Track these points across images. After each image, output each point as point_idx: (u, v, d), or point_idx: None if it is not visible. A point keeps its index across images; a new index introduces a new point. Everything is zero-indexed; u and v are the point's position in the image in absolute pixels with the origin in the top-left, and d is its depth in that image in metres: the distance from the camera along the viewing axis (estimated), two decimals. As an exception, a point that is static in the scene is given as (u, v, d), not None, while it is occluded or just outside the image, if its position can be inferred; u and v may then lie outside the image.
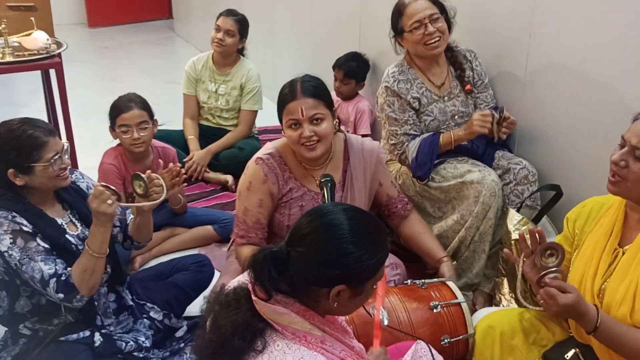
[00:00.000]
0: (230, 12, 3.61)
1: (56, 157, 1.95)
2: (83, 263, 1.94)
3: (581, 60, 2.31)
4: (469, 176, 2.41)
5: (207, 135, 3.69)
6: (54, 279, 1.90)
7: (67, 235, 2.02)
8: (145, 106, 2.79)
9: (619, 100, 2.18)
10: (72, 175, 2.13)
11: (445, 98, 2.60)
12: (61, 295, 1.91)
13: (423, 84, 2.57)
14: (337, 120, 2.20)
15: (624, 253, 1.65)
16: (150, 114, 2.81)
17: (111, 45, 7.02)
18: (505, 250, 1.86)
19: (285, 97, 2.11)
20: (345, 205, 1.44)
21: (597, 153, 2.27)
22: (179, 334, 2.26)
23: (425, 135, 2.54)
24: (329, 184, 2.07)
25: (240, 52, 3.70)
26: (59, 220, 2.04)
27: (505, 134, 2.43)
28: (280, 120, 2.15)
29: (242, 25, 3.58)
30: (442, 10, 2.52)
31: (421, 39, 2.48)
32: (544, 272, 1.63)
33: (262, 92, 3.69)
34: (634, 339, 1.56)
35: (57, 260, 1.93)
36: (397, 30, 2.57)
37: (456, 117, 2.60)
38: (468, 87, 2.61)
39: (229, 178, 3.54)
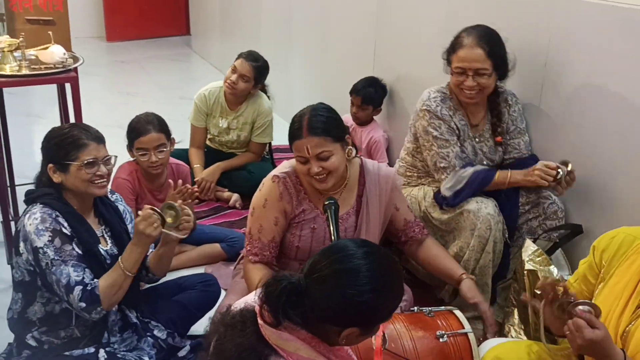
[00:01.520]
0: (250, 56, 3.49)
1: (92, 160, 1.99)
2: (112, 278, 1.98)
3: (600, 90, 2.29)
4: (466, 206, 2.39)
5: (219, 158, 3.68)
6: (80, 286, 1.92)
7: (99, 246, 2.06)
8: (162, 128, 2.81)
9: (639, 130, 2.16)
10: (112, 196, 2.20)
11: (477, 139, 2.55)
12: (83, 305, 1.93)
13: (463, 118, 2.51)
14: (351, 147, 2.17)
15: None
16: (168, 135, 2.83)
17: (128, 59, 7.09)
18: (524, 296, 1.83)
19: (294, 132, 2.10)
20: (368, 247, 1.42)
21: (619, 188, 2.24)
22: (182, 353, 2.23)
23: (479, 167, 2.45)
24: (333, 207, 2.06)
25: (262, 90, 3.66)
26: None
27: (564, 189, 2.31)
28: (291, 148, 2.15)
29: (259, 72, 3.49)
30: (498, 65, 2.39)
31: (458, 85, 2.43)
32: (576, 302, 1.56)
33: (273, 124, 3.66)
34: None
35: (86, 269, 1.96)
36: (447, 59, 2.48)
37: (484, 162, 2.54)
38: (498, 138, 2.54)
39: (236, 197, 3.55)
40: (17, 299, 2.05)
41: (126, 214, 2.24)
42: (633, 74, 2.15)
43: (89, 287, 1.94)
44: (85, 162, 1.99)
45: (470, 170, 2.43)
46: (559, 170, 2.28)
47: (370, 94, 3.51)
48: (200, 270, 2.89)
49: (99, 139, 2.06)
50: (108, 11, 7.74)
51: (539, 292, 2.19)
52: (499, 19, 2.69)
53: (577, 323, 1.51)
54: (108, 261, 2.06)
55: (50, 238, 1.92)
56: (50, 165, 2.01)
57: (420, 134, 2.52)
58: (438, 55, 3.10)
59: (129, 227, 2.21)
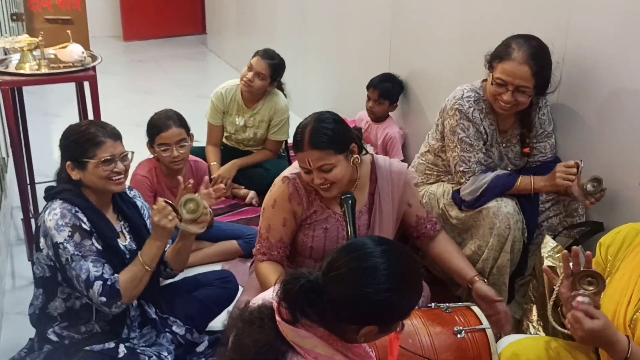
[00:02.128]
0: (266, 54, 3.49)
1: (109, 157, 2.01)
2: (133, 272, 2.02)
3: (619, 88, 2.26)
4: (485, 205, 2.36)
5: (236, 155, 3.69)
6: (100, 281, 1.95)
7: (119, 241, 2.08)
8: (182, 123, 2.84)
9: None
10: (131, 192, 2.23)
11: (504, 144, 2.51)
12: (103, 299, 1.95)
13: (493, 123, 2.45)
14: (356, 156, 2.14)
15: None
16: (187, 130, 2.85)
17: (144, 58, 7.14)
18: (544, 267, 1.82)
19: (296, 143, 2.09)
20: (386, 244, 1.41)
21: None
22: (200, 349, 2.25)
23: (501, 172, 2.42)
24: (350, 201, 2.06)
25: (279, 86, 3.66)
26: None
27: (592, 204, 2.24)
28: None
29: (274, 69, 3.49)
30: (540, 85, 2.29)
31: (495, 95, 2.34)
32: (573, 294, 1.58)
33: (289, 122, 3.67)
34: None
35: (105, 264, 1.98)
36: (490, 62, 2.36)
37: (509, 168, 2.51)
38: (526, 149, 2.48)
39: (252, 194, 3.56)
40: (38, 295, 2.08)
41: (144, 209, 2.26)
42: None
43: (109, 282, 1.96)
44: (103, 159, 2.01)
45: (491, 175, 2.39)
46: (579, 164, 2.25)
47: (388, 89, 3.50)
48: (217, 267, 2.90)
49: (116, 136, 2.07)
50: (125, 10, 7.79)
51: (556, 289, 2.19)
52: (516, 16, 2.68)
53: (575, 315, 1.53)
54: (127, 256, 2.08)
55: (70, 233, 1.94)
56: (69, 162, 2.04)
57: (447, 133, 2.48)
58: (454, 51, 3.11)
59: (148, 222, 2.23)
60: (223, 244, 3.00)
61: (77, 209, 1.99)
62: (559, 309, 1.87)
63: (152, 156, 2.89)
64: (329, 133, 2.06)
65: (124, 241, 2.12)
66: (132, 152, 2.13)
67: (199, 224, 2.12)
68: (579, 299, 1.55)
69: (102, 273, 1.96)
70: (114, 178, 2.04)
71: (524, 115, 2.45)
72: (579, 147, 2.45)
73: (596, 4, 2.31)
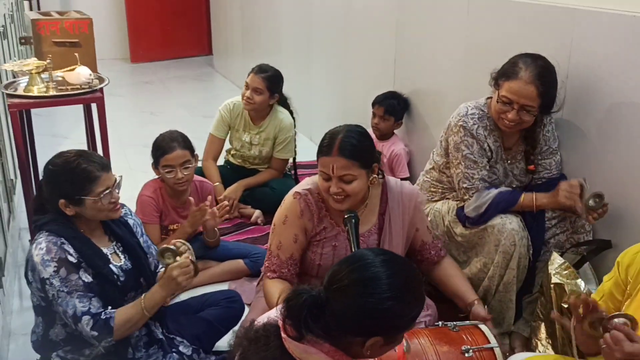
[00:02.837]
0: (260, 70, 3.53)
1: (106, 192, 2.00)
2: (130, 314, 1.98)
3: (623, 104, 2.26)
4: (490, 222, 2.36)
5: (242, 174, 3.70)
6: (88, 316, 1.92)
7: (110, 265, 2.06)
8: (187, 144, 2.85)
9: None
10: (122, 210, 2.18)
11: (509, 161, 2.51)
12: (95, 333, 1.93)
13: (497, 140, 2.46)
14: (375, 176, 2.14)
15: None
16: (192, 151, 2.86)
17: (151, 80, 7.21)
18: (553, 314, 1.81)
19: (323, 148, 2.09)
20: (385, 255, 1.43)
21: None
22: (207, 369, 2.25)
23: (504, 189, 2.42)
24: (353, 220, 2.05)
25: (283, 102, 3.67)
26: (104, 250, 2.08)
27: (595, 219, 2.24)
28: (317, 161, 2.14)
29: (271, 82, 3.52)
30: (545, 105, 2.29)
31: (500, 113, 2.35)
32: (612, 315, 1.53)
33: (294, 140, 3.68)
34: None
35: (93, 299, 1.95)
36: (496, 80, 2.37)
37: (513, 185, 2.51)
38: (531, 167, 2.49)
39: (258, 213, 3.57)
40: (38, 323, 2.07)
41: (136, 227, 2.23)
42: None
43: (103, 316, 1.93)
44: (102, 195, 1.99)
45: (494, 192, 2.39)
46: (582, 183, 2.25)
47: (393, 105, 3.54)
48: (224, 286, 2.90)
49: (106, 167, 2.04)
50: (132, 33, 7.90)
51: (565, 306, 2.17)
52: (519, 34, 2.69)
53: (616, 336, 1.47)
54: (122, 278, 2.05)
55: (55, 269, 1.91)
56: (62, 200, 1.98)
57: (451, 150, 2.49)
58: (458, 70, 3.12)
59: (141, 240, 2.21)
60: (229, 263, 3.00)
61: (63, 240, 1.95)
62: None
63: (157, 177, 2.90)
64: (359, 145, 2.07)
65: (119, 261, 2.10)
66: (121, 176, 2.10)
67: (183, 275, 2.00)
68: (618, 320, 1.51)
69: (89, 308, 1.93)
70: (112, 208, 2.04)
71: (528, 132, 2.45)
72: (583, 164, 2.45)
73: (599, 23, 2.32)
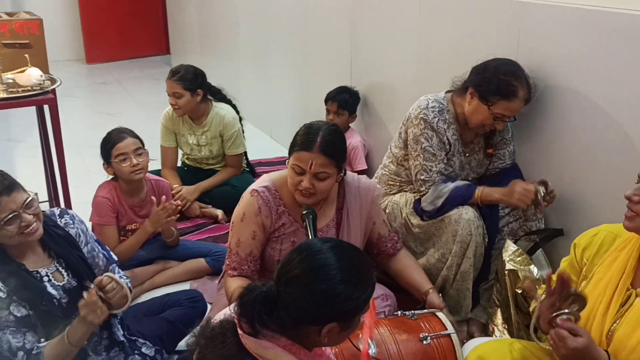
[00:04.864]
0: (172, 73, 3.45)
1: (10, 216, 1.81)
2: (58, 349, 1.88)
3: (570, 95, 2.32)
4: (446, 213, 2.41)
5: (200, 175, 3.67)
6: (22, 352, 1.86)
7: (49, 289, 1.94)
8: (136, 135, 2.83)
9: (627, 141, 2.15)
10: (62, 220, 2.06)
11: (467, 154, 2.57)
12: None
13: (456, 133, 2.50)
14: (341, 175, 2.17)
15: (637, 296, 1.60)
16: (142, 143, 2.83)
17: (108, 80, 7.10)
18: (526, 284, 1.84)
19: (302, 142, 2.08)
20: (333, 241, 1.45)
21: (595, 190, 2.27)
22: (169, 369, 2.24)
23: (460, 183, 2.47)
24: (311, 216, 2.07)
25: (214, 95, 3.61)
26: (43, 271, 1.95)
27: (545, 207, 2.32)
28: (290, 153, 2.14)
29: (186, 81, 3.42)
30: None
31: (484, 122, 2.41)
32: (557, 313, 1.57)
33: (242, 134, 3.65)
34: None
35: (27, 333, 1.88)
36: (483, 94, 2.36)
37: (470, 177, 2.56)
38: (490, 150, 2.55)
39: (219, 212, 3.55)
40: None
41: (80, 236, 2.08)
42: (602, 76, 2.18)
43: (33, 352, 1.86)
44: (4, 221, 1.81)
45: (450, 185, 2.44)
46: (538, 190, 2.28)
47: (345, 99, 3.59)
48: (185, 285, 2.89)
49: (8, 188, 1.83)
50: (87, 34, 7.76)
51: (519, 292, 2.23)
52: (469, 28, 2.75)
53: (560, 333, 1.52)
54: (64, 300, 1.96)
55: None
56: None
57: (410, 142, 2.53)
58: (411, 64, 3.17)
59: (85, 250, 2.09)
60: (191, 262, 2.98)
61: None
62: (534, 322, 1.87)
63: (111, 177, 2.86)
64: (339, 145, 2.11)
65: (61, 280, 1.98)
66: (36, 194, 1.92)
67: (113, 302, 1.92)
68: (563, 317, 1.56)
69: (24, 343, 1.86)
70: (25, 231, 1.85)
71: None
72: (535, 154, 2.52)
73: (546, 16, 2.38)
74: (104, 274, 1.96)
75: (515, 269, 2.24)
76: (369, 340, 1.65)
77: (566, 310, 1.58)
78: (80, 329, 1.90)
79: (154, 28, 8.01)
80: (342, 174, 2.17)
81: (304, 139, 2.07)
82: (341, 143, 2.13)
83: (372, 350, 1.84)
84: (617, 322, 1.61)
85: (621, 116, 2.14)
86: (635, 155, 2.03)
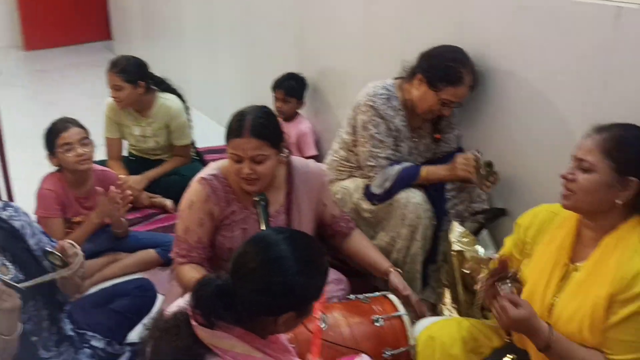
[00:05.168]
0: (112, 65, 3.36)
1: None
2: None
3: (523, 83, 2.37)
4: (395, 197, 2.46)
5: (147, 165, 3.61)
6: None
7: None
8: (81, 125, 2.76)
9: (564, 123, 2.23)
10: (5, 213, 2.00)
11: (415, 139, 2.60)
12: None
13: (404, 119, 2.53)
14: (283, 155, 2.17)
15: (576, 270, 1.68)
16: (87, 133, 2.77)
17: (48, 68, 6.88)
18: (471, 265, 1.90)
19: (233, 130, 2.08)
20: (287, 232, 1.46)
21: (535, 172, 2.35)
22: (122, 360, 2.22)
23: (407, 164, 2.51)
24: (263, 203, 2.08)
25: (158, 85, 3.52)
26: None
27: (488, 188, 2.38)
28: (227, 143, 2.13)
29: (126, 73, 3.33)
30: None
31: (433, 108, 2.46)
32: (499, 285, 1.64)
33: (188, 123, 3.59)
34: (582, 357, 1.60)
35: None
36: (431, 80, 2.41)
37: (418, 161, 2.60)
38: (437, 135, 2.61)
39: (169, 202, 3.50)
40: None
41: (25, 228, 2.02)
42: (541, 61, 2.25)
43: None
44: None
45: (397, 167, 2.49)
46: (477, 155, 2.37)
47: (292, 86, 3.59)
48: (136, 277, 2.84)
49: None
50: (24, 19, 7.47)
51: (467, 272, 2.30)
52: (415, 16, 2.78)
53: (502, 304, 1.60)
54: None
55: None
56: None
57: (359, 128, 2.55)
58: (358, 50, 3.19)
59: (32, 241, 2.03)
60: (141, 254, 2.94)
61: None
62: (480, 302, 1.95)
63: (56, 168, 2.80)
64: (269, 125, 2.09)
65: (6, 273, 1.88)
66: None
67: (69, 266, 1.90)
68: (505, 288, 1.63)
69: None
70: None
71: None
72: (479, 137, 2.59)
73: (487, 3, 2.44)
74: (65, 240, 1.95)
75: (462, 249, 2.31)
76: (320, 314, 1.68)
77: (508, 283, 1.66)
78: (2, 316, 1.79)
79: (95, 13, 7.77)
80: (283, 155, 2.17)
81: (235, 126, 2.08)
82: (271, 123, 2.12)
83: (323, 325, 1.88)
84: (557, 296, 1.70)
85: (559, 100, 2.22)
86: (571, 137, 2.11)
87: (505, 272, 1.67)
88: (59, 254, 1.91)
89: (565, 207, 1.70)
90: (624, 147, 1.61)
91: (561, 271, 1.71)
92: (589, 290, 1.62)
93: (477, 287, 1.81)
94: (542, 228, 1.82)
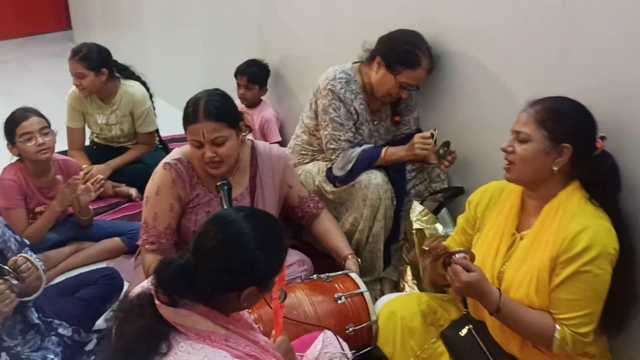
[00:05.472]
0: (74, 53, 3.33)
1: None
2: None
3: (478, 66, 2.41)
4: (357, 179, 2.50)
5: (110, 154, 3.58)
6: None
7: None
8: (41, 114, 2.74)
9: (515, 105, 2.21)
10: None
11: (375, 122, 2.65)
12: None
13: (363, 102, 2.57)
14: (244, 133, 2.20)
15: (522, 238, 1.78)
16: (48, 123, 2.75)
17: (6, 59, 6.73)
18: (412, 256, 1.96)
19: (189, 116, 2.10)
20: (246, 210, 1.50)
21: (489, 151, 2.39)
22: (89, 347, 2.23)
23: (367, 146, 2.56)
24: (225, 187, 2.11)
25: (122, 72, 3.51)
26: None
27: (446, 167, 2.46)
28: (185, 131, 2.15)
29: (89, 60, 3.31)
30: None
31: (391, 91, 2.50)
32: (452, 251, 1.73)
33: (152, 110, 3.58)
34: (531, 319, 1.69)
35: None
36: (390, 63, 2.45)
37: (378, 143, 2.64)
38: (397, 118, 2.66)
39: (133, 191, 3.50)
40: None
41: None
42: (497, 45, 2.30)
43: None
44: None
45: (358, 150, 2.54)
46: (433, 134, 2.43)
47: (255, 73, 3.59)
48: (101, 265, 2.85)
49: None
50: (-22, 9, 7.30)
51: (427, 249, 2.37)
52: (375, 1, 2.82)
53: (454, 269, 1.69)
54: None
55: None
56: None
57: (320, 112, 2.60)
58: (320, 36, 3.22)
59: None
60: (106, 242, 2.95)
61: None
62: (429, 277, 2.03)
63: (16, 158, 2.77)
64: (223, 106, 2.12)
65: None
66: None
67: (27, 282, 1.94)
68: (458, 255, 1.71)
69: None
70: None
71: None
72: (437, 118, 2.64)
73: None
74: (19, 254, 1.93)
75: (422, 227, 2.37)
76: (280, 289, 1.72)
77: (462, 250, 1.75)
78: None
79: (52, 2, 7.62)
80: (244, 133, 2.20)
81: (190, 112, 2.11)
82: (226, 104, 2.15)
83: (283, 299, 1.92)
84: (506, 264, 1.79)
85: (511, 82, 2.29)
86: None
87: (446, 251, 1.75)
88: (11, 270, 1.88)
89: (508, 179, 1.78)
90: (556, 116, 1.70)
91: (508, 241, 1.80)
92: (534, 256, 1.71)
93: (421, 264, 1.88)
94: (490, 203, 1.91)
